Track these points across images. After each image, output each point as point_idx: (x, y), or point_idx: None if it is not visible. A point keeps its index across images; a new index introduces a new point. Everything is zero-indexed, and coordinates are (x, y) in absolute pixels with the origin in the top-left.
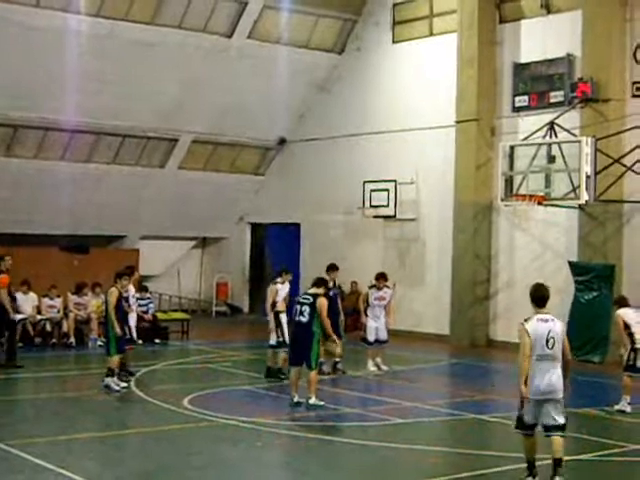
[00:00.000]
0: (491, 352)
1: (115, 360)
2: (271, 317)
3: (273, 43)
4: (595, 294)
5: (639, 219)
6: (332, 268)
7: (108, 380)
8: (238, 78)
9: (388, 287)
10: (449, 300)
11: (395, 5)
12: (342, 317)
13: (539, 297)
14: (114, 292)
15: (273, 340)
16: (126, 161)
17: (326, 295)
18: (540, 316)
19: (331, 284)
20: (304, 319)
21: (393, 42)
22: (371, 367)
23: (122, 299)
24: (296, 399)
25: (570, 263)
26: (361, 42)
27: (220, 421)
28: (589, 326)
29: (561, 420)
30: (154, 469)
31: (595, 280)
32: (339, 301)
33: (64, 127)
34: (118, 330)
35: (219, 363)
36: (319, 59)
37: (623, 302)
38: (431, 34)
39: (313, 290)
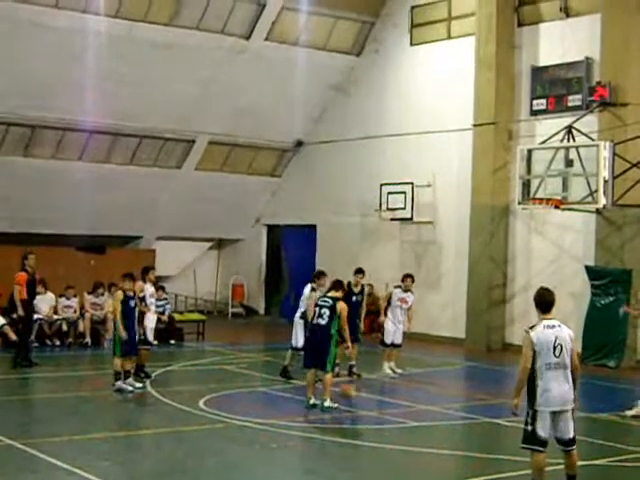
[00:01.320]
0: (507, 356)
1: (117, 362)
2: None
3: (291, 45)
4: (612, 299)
5: None
6: (357, 272)
7: (118, 384)
8: (255, 80)
9: (412, 292)
10: (465, 303)
11: (413, 8)
12: (361, 322)
13: (543, 303)
14: (117, 295)
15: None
16: (143, 162)
17: (345, 298)
18: (546, 322)
19: (357, 289)
20: (323, 321)
21: (411, 44)
22: (387, 370)
23: (128, 301)
24: (312, 401)
25: (587, 267)
26: (379, 44)
27: (235, 423)
28: (605, 331)
29: (572, 433)
30: (169, 470)
31: (612, 285)
32: (362, 305)
33: (82, 128)
34: (123, 334)
35: (235, 365)
36: (337, 61)
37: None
38: (449, 37)
39: (332, 293)
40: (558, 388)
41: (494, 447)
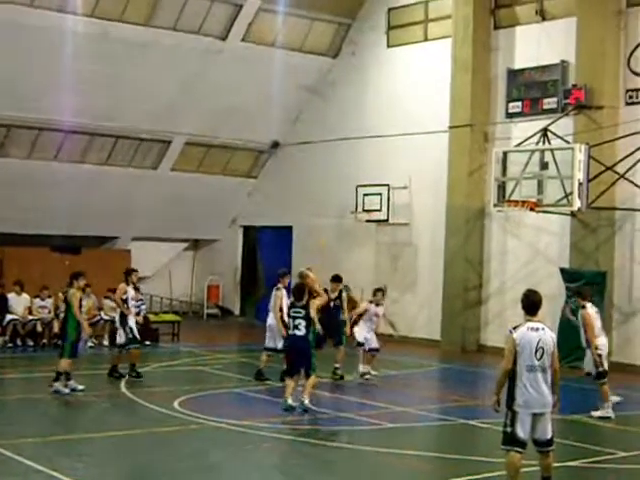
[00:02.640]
0: (482, 357)
1: (64, 363)
2: (279, 323)
3: (267, 46)
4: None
5: (631, 226)
6: (334, 280)
7: (56, 385)
8: (232, 80)
9: (383, 304)
10: (440, 305)
11: (390, 9)
12: (346, 328)
13: (530, 304)
14: (76, 294)
15: (279, 345)
16: (119, 162)
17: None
18: (531, 324)
19: (335, 294)
20: (300, 332)
21: (388, 46)
22: (362, 369)
23: (81, 300)
24: (289, 402)
25: (562, 270)
26: (356, 46)
27: (210, 424)
28: (579, 333)
29: (550, 434)
30: (144, 471)
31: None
32: (343, 308)
33: (58, 127)
34: (89, 331)
35: (209, 365)
36: (313, 62)
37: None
38: (426, 39)
39: (302, 302)
40: (538, 390)
41: (469, 448)
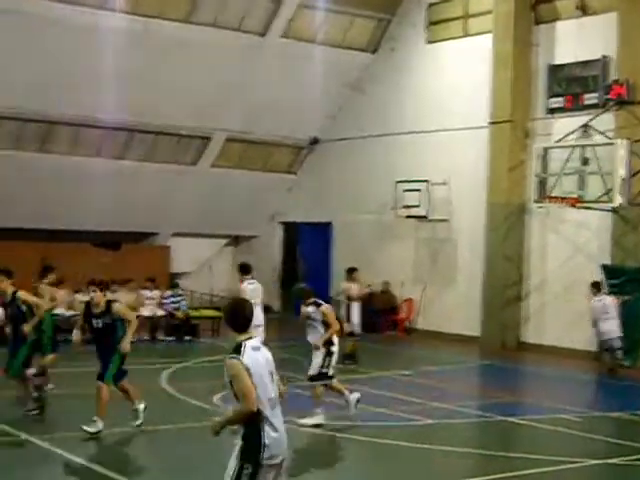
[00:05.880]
0: (522, 354)
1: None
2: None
3: (307, 42)
4: (627, 297)
5: None
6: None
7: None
8: (272, 77)
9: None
10: (480, 301)
11: (430, 5)
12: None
13: (240, 318)
14: (45, 289)
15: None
16: (159, 158)
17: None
18: (250, 343)
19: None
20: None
21: (427, 42)
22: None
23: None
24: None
25: (604, 266)
26: (395, 42)
27: None
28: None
29: None
30: (181, 465)
31: (627, 283)
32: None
33: (98, 124)
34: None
35: None
36: (353, 58)
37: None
38: (466, 35)
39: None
40: (282, 432)
41: (507, 445)
